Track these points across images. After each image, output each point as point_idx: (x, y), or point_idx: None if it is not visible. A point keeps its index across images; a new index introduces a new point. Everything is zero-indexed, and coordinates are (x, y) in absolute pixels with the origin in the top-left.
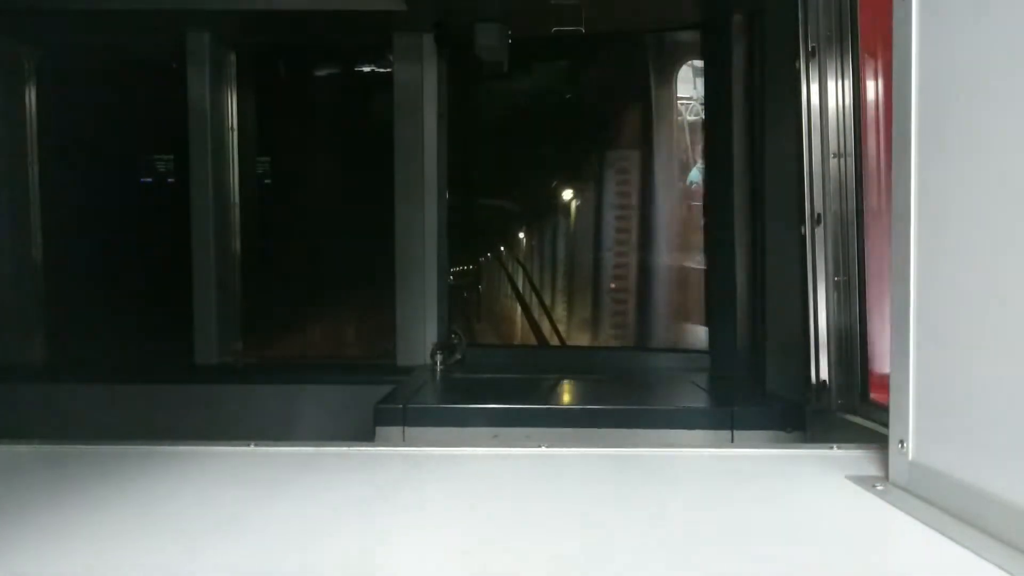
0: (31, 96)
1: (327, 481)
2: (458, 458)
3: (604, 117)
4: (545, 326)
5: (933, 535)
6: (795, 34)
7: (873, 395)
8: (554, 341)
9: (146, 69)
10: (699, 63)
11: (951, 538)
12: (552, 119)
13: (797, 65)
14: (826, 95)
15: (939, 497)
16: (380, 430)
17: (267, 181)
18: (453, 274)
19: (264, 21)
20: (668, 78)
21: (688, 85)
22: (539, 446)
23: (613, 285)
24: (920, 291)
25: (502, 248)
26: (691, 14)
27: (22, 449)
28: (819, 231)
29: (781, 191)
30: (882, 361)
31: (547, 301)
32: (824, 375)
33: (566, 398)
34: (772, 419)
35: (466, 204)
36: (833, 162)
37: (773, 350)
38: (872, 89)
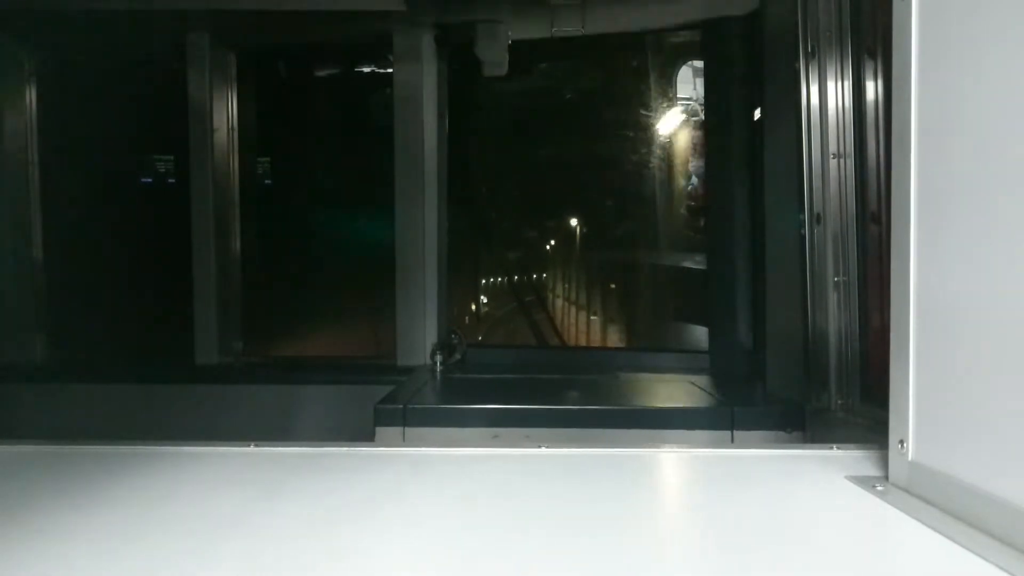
0: (31, 96)
1: (327, 481)
2: (458, 458)
3: (604, 117)
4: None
5: (933, 535)
6: (795, 34)
7: (873, 395)
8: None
9: (146, 69)
10: (699, 63)
11: (951, 538)
12: (551, 119)
13: (797, 65)
14: (826, 95)
15: (939, 497)
16: (380, 430)
17: (267, 181)
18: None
19: (264, 21)
20: (668, 78)
21: (688, 85)
22: (539, 446)
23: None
24: (920, 291)
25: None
26: (691, 14)
27: (22, 449)
28: (819, 231)
29: (781, 191)
30: (882, 361)
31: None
32: (824, 375)
33: (566, 398)
34: (772, 419)
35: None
36: (833, 162)
37: (773, 350)
38: (872, 89)
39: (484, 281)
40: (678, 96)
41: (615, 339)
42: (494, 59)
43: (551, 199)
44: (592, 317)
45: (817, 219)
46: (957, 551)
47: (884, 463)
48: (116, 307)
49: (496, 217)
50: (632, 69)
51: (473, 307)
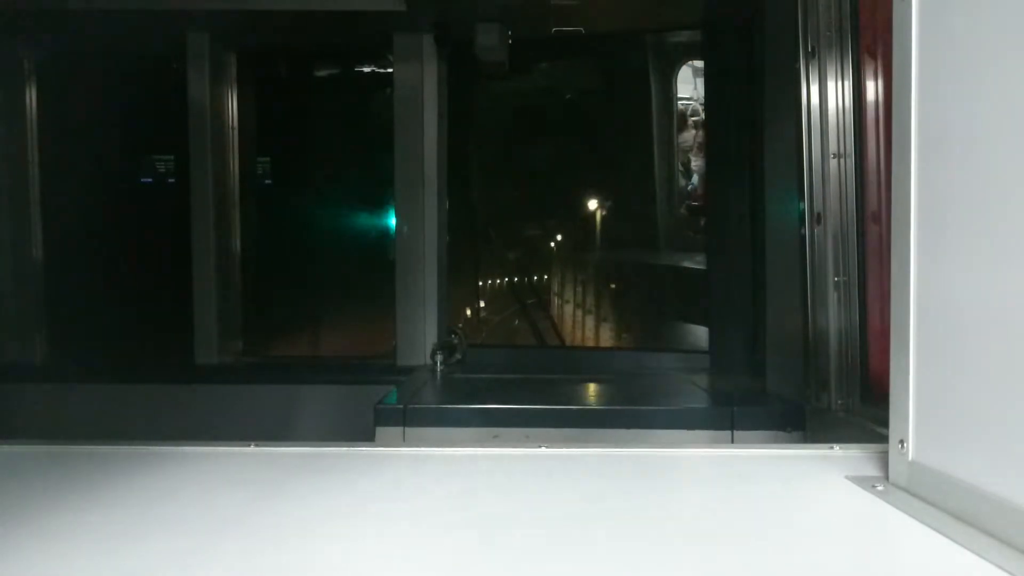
0: (31, 96)
1: (327, 481)
2: (458, 458)
3: (604, 117)
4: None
5: (933, 535)
6: (795, 34)
7: (873, 395)
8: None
9: (146, 69)
10: (699, 63)
11: (951, 538)
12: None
13: (797, 65)
14: (826, 95)
15: (939, 497)
16: (380, 430)
17: (267, 181)
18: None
19: (264, 21)
20: (668, 78)
21: (688, 85)
22: (539, 446)
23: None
24: (920, 291)
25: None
26: (691, 14)
27: (22, 449)
28: (819, 231)
29: (781, 191)
30: (882, 361)
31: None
32: (824, 375)
33: (566, 398)
34: (772, 419)
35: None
36: (833, 162)
37: (773, 350)
38: (872, 89)
39: (484, 283)
40: (678, 96)
41: (616, 340)
42: (494, 58)
43: (550, 199)
44: (589, 317)
45: (817, 219)
46: (957, 551)
47: (884, 463)
48: (116, 307)
49: (496, 217)
50: (632, 68)
51: (468, 312)
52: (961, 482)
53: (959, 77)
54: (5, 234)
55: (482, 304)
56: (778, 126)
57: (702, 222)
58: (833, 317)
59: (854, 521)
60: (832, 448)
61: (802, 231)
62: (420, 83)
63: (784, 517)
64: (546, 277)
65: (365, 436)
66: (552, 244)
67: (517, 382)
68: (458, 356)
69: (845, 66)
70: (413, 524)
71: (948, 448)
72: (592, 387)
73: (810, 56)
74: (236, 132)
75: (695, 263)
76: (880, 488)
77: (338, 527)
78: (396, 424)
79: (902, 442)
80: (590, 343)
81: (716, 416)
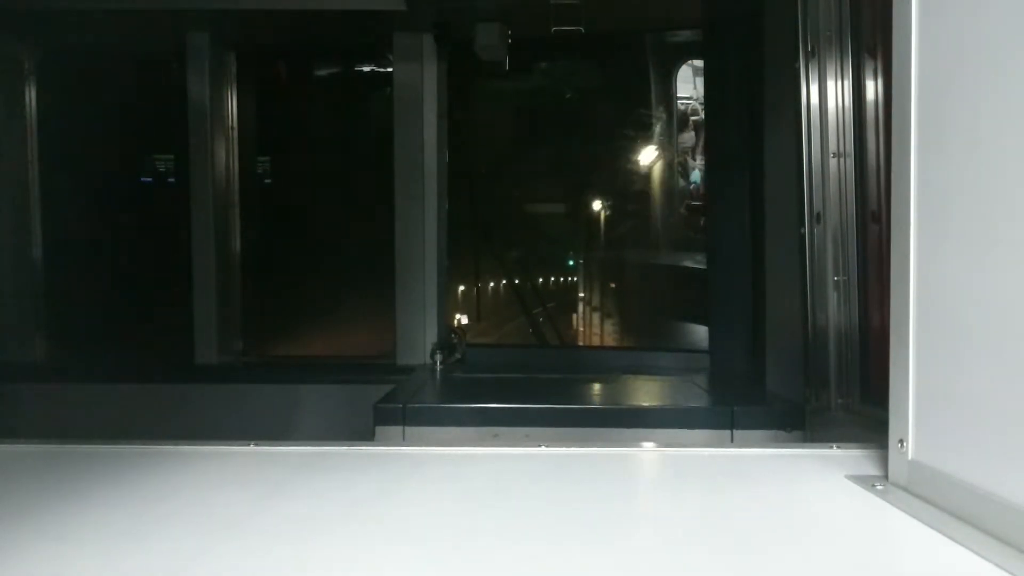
0: (31, 96)
1: (327, 481)
2: (458, 458)
3: (604, 116)
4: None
5: (933, 535)
6: (795, 34)
7: (872, 394)
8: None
9: (146, 69)
10: (699, 63)
11: (951, 538)
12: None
13: (797, 65)
14: (826, 95)
15: (939, 497)
16: (380, 430)
17: (267, 181)
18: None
19: (264, 21)
20: (668, 78)
21: (688, 85)
22: (539, 446)
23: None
24: (920, 290)
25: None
26: (691, 14)
27: (22, 449)
28: (819, 231)
29: (781, 191)
30: (881, 360)
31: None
32: (824, 374)
33: (566, 398)
34: (772, 419)
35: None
36: (833, 162)
37: (773, 350)
38: (872, 89)
39: (483, 287)
40: (678, 95)
41: (618, 340)
42: (494, 57)
43: (549, 198)
44: (594, 315)
45: (817, 219)
46: (957, 550)
47: (884, 462)
48: (116, 306)
49: (495, 216)
50: (632, 68)
51: (465, 319)
52: (961, 482)
53: (959, 77)
54: (5, 233)
55: (464, 319)
56: (778, 126)
57: (702, 222)
58: (833, 317)
59: (854, 521)
60: (832, 447)
61: (802, 231)
62: (420, 83)
63: (784, 517)
64: (551, 280)
65: (365, 436)
66: (553, 244)
67: (517, 382)
68: (458, 356)
69: (845, 66)
70: (413, 524)
71: (948, 448)
72: (592, 386)
73: (810, 56)
74: (236, 132)
75: (695, 262)
76: (880, 487)
77: (338, 527)
78: (396, 423)
79: (902, 441)
80: (587, 341)
81: (716, 416)
